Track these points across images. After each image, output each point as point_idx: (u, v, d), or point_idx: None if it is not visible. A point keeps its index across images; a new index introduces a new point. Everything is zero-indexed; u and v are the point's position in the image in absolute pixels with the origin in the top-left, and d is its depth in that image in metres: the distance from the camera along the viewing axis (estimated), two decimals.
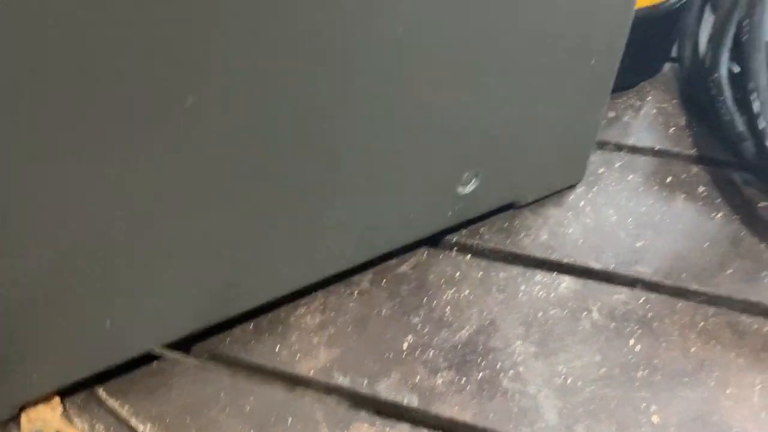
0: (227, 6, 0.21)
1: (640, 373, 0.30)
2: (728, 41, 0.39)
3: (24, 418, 0.30)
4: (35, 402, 0.30)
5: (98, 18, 0.19)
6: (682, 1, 0.41)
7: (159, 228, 0.26)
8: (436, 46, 0.27)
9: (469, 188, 0.34)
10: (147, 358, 0.32)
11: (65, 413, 0.31)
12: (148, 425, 0.30)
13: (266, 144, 0.26)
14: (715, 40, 0.40)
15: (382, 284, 0.35)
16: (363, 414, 0.30)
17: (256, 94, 0.24)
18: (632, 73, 0.44)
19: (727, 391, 0.29)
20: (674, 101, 0.43)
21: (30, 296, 0.25)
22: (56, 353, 0.29)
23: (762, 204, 0.37)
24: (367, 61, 0.26)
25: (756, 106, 0.33)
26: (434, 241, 0.37)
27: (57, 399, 0.31)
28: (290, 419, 0.30)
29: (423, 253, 0.36)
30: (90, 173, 0.23)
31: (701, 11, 0.44)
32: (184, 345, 0.33)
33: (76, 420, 0.30)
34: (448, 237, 0.37)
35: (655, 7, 0.40)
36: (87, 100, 0.21)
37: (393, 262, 0.36)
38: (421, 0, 0.25)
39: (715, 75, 0.39)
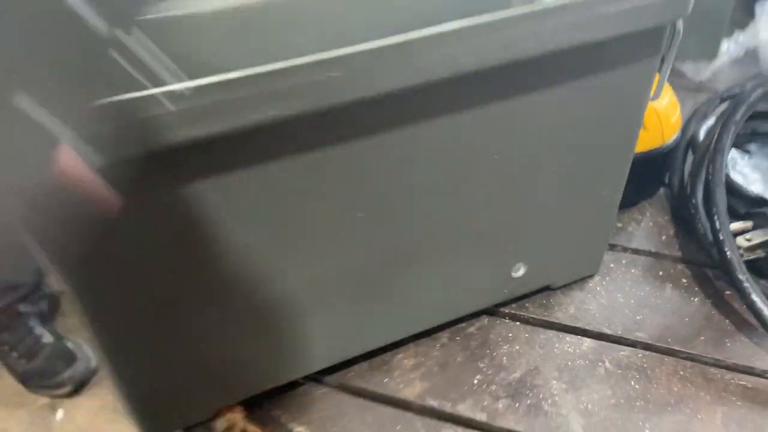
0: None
1: (638, 404, 0.44)
2: (702, 176, 0.55)
3: (219, 419, 0.44)
4: (226, 408, 0.45)
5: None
6: (670, 147, 0.57)
7: (322, 299, 0.42)
8: (506, 195, 0.43)
9: (519, 273, 0.49)
10: (293, 385, 0.47)
11: (245, 418, 0.45)
12: (302, 428, 0.44)
13: (393, 245, 0.42)
14: (693, 175, 0.56)
15: (457, 339, 0.49)
16: (448, 426, 0.44)
17: (395, 214, 0.40)
18: (635, 196, 0.60)
19: (699, 416, 0.43)
20: (666, 217, 0.59)
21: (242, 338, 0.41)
22: (244, 376, 0.43)
23: (728, 293, 0.51)
24: (454, 199, 0.42)
25: (717, 225, 0.49)
26: (491, 312, 0.51)
27: (240, 407, 0.45)
28: (399, 427, 0.44)
29: (484, 320, 0.51)
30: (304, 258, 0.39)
31: (685, 152, 0.60)
32: (319, 377, 0.47)
33: (252, 423, 0.45)
34: (502, 309, 0.52)
35: (650, 151, 0.56)
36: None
37: (463, 324, 0.51)
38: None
39: (693, 200, 0.55)
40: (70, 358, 2.05)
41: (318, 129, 0.34)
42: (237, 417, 0.45)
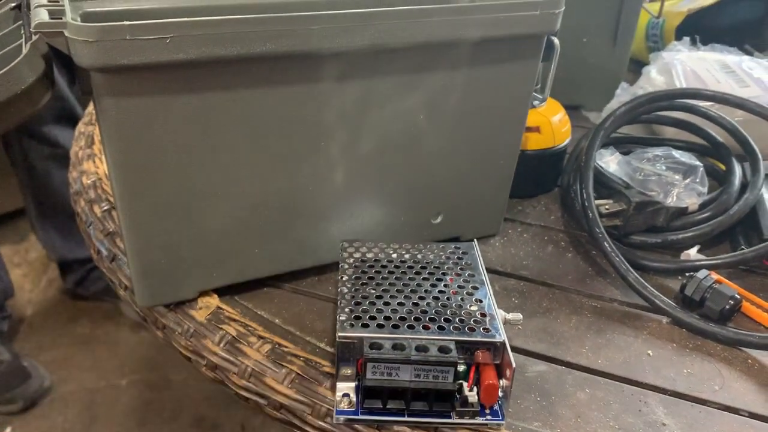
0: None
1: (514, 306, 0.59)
2: (579, 174, 0.73)
3: (199, 300, 0.58)
4: (204, 293, 0.58)
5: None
6: (560, 150, 0.75)
7: (282, 221, 0.57)
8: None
9: (438, 220, 0.65)
10: (257, 286, 0.60)
11: (218, 303, 0.58)
12: (263, 311, 0.58)
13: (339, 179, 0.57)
14: (574, 170, 0.73)
15: None
16: None
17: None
18: (533, 189, 0.77)
19: (558, 320, 0.58)
20: (556, 205, 0.76)
21: (226, 236, 0.55)
22: (222, 268, 0.57)
23: (593, 252, 0.68)
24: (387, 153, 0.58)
25: (584, 195, 0.66)
26: None
27: (214, 295, 0.59)
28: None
29: None
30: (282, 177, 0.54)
31: (571, 161, 0.78)
32: (278, 282, 0.61)
33: (225, 307, 0.58)
34: None
35: (544, 150, 0.74)
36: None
37: None
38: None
39: (574, 187, 0.72)
40: (24, 376, 2.11)
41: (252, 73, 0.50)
42: (213, 301, 0.58)
